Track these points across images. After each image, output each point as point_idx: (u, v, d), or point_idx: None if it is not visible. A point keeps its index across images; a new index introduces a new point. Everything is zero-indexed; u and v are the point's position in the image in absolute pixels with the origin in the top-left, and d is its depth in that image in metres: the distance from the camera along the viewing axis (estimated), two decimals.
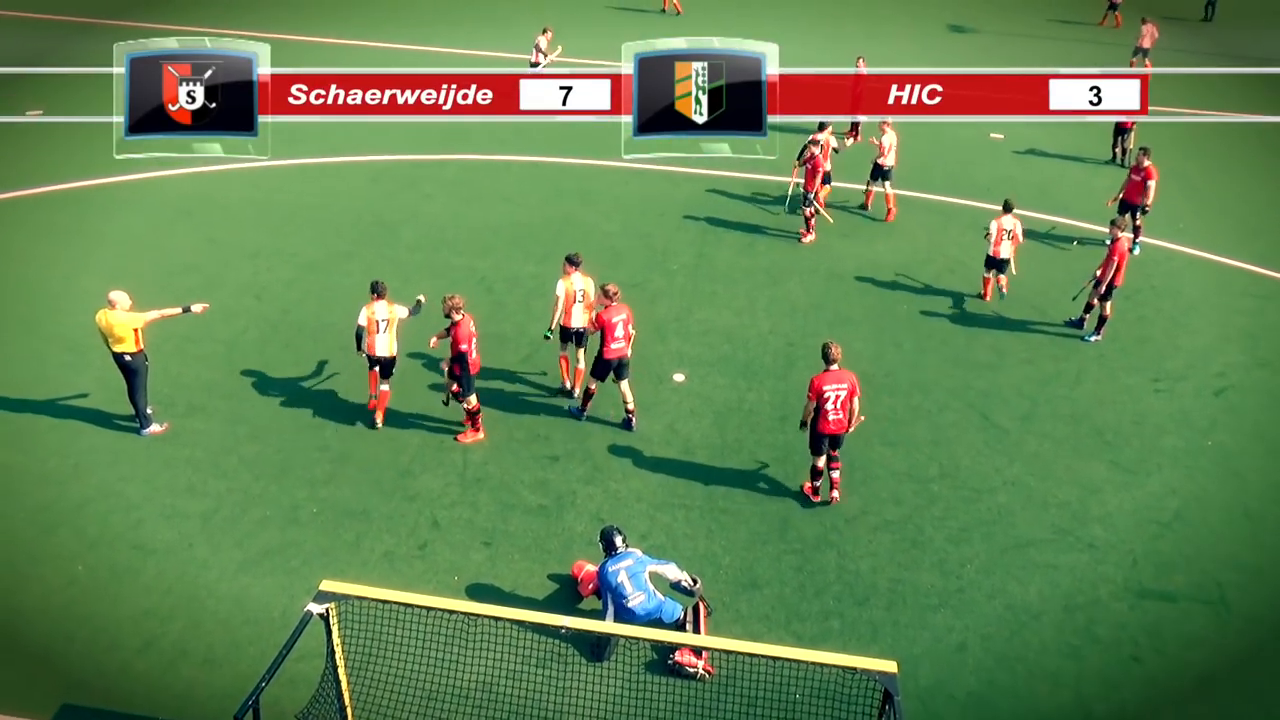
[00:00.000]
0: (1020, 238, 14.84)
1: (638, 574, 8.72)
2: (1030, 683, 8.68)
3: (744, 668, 7.71)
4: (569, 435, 11.75)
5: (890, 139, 17.12)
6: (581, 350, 12.30)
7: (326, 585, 6.77)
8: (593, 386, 11.81)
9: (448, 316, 10.94)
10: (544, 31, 23.05)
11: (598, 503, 10.65)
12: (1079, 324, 14.41)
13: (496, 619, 8.28)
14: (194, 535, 9.99)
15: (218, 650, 8.69)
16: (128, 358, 10.87)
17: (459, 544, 10.05)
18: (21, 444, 11.19)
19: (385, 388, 11.61)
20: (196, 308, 11.23)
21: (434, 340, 11.57)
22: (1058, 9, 34.53)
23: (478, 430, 11.56)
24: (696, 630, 8.73)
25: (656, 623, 8.62)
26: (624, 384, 11.69)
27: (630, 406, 11.80)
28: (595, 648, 8.74)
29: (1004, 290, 15.05)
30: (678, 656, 8.52)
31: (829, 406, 10.31)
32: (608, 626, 7.88)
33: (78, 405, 11.85)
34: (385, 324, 11.30)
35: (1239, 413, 12.62)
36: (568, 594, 9.45)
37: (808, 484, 10.81)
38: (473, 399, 11.31)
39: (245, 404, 12.00)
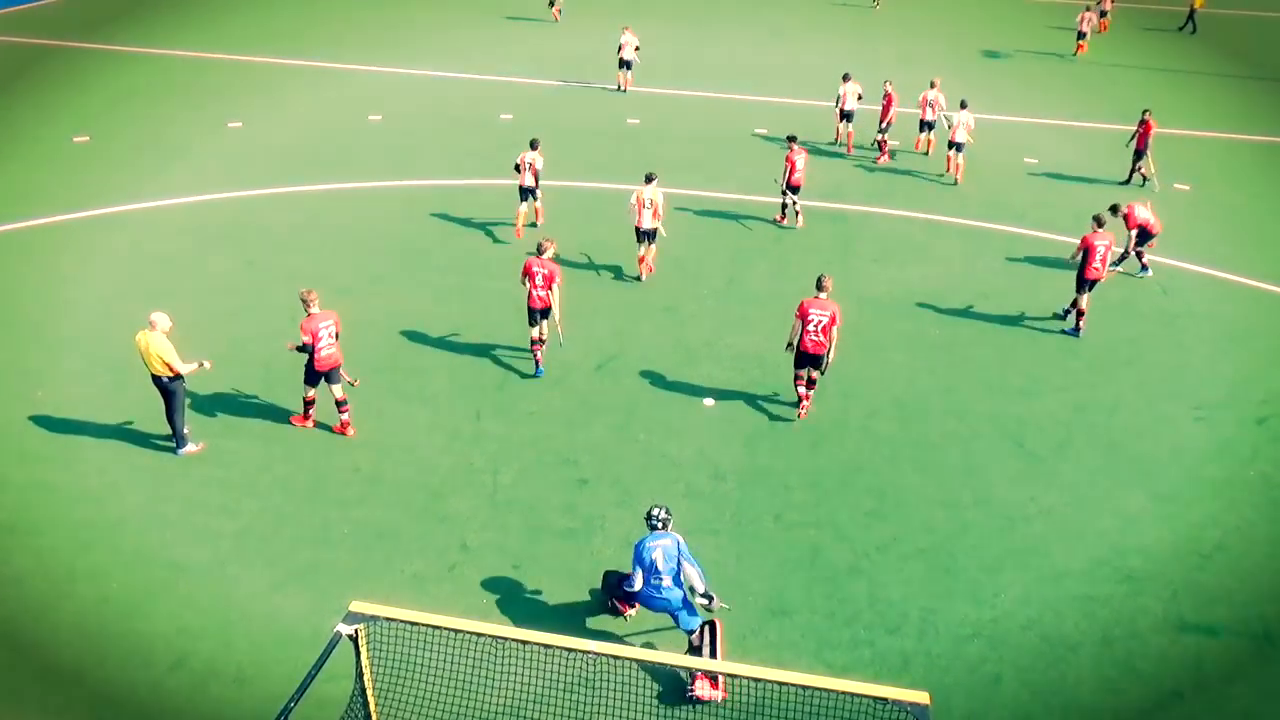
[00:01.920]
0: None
1: (671, 558, 8.63)
2: (1066, 718, 8.48)
3: (773, 696, 7.60)
4: (598, 459, 11.75)
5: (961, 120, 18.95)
6: (653, 247, 15.78)
7: (356, 606, 6.79)
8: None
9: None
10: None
11: (627, 527, 10.61)
12: (1063, 317, 15.12)
13: (524, 642, 8.27)
14: (227, 554, 10.09)
15: (248, 669, 8.74)
16: (166, 380, 11.07)
17: (488, 566, 10.05)
18: (63, 462, 11.38)
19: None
20: (207, 364, 11.39)
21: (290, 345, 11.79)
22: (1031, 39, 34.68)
23: (306, 418, 12.09)
24: (713, 651, 8.68)
25: (672, 619, 8.80)
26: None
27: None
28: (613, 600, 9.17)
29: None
30: (695, 691, 8.40)
31: (810, 328, 11.77)
32: (637, 652, 7.81)
33: (118, 425, 12.05)
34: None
35: None
36: (596, 618, 9.40)
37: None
38: (309, 390, 11.77)
39: (279, 424, 12.14)
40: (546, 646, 7.37)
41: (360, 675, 7.00)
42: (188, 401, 11.59)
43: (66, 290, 15.22)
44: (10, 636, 9.03)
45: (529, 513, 10.84)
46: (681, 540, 8.80)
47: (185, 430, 11.52)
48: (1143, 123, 20.27)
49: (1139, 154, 20.49)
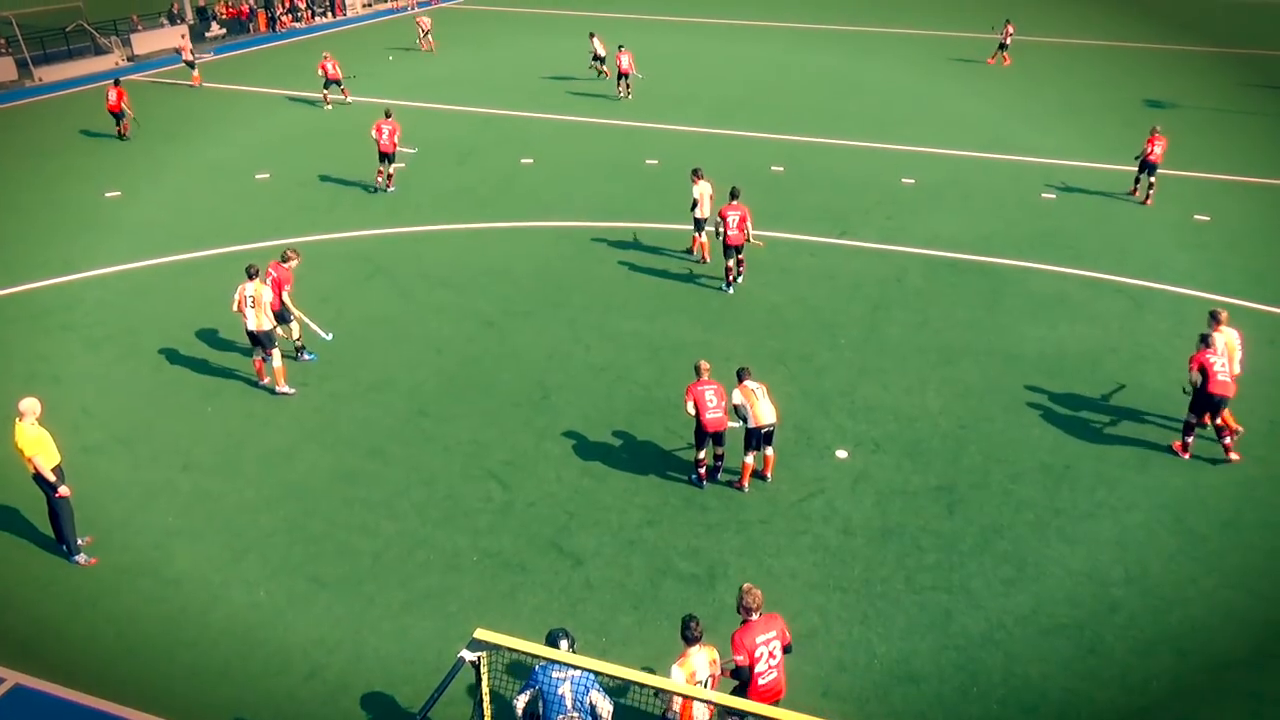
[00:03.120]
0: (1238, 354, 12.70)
1: (580, 697, 7.05)
2: None
3: None
4: (726, 505, 11.65)
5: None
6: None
7: (481, 634, 6.93)
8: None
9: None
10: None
11: (750, 576, 10.44)
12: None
13: (640, 685, 8.23)
14: (364, 572, 10.54)
15: (376, 686, 9.05)
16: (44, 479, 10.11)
17: (608, 605, 10.10)
18: (227, 472, 12.21)
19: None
20: (65, 489, 10.25)
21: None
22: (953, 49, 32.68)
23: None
24: None
25: None
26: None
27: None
28: None
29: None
30: None
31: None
32: (752, 705, 7.60)
33: (276, 441, 12.84)
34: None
35: None
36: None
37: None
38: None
39: (420, 450, 12.64)
40: (659, 690, 7.31)
41: (479, 702, 7.13)
42: (338, 423, 12.18)
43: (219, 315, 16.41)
44: (169, 634, 9.69)
45: (653, 554, 10.84)
46: (594, 676, 7.08)
47: (79, 541, 10.59)
48: (1150, 139, 21.37)
49: (1148, 167, 21.43)
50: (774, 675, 7.74)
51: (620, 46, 30.45)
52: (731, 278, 17.21)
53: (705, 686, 7.44)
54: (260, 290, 13.57)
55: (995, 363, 14.93)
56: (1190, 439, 12.60)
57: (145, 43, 39.12)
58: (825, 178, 23.37)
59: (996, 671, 9.24)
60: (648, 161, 24.16)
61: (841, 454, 12.65)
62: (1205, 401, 12.25)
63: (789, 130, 27.39)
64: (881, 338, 15.72)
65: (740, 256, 17.17)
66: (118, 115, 26.42)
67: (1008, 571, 10.54)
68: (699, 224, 18.23)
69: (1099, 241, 19.47)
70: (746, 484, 11.89)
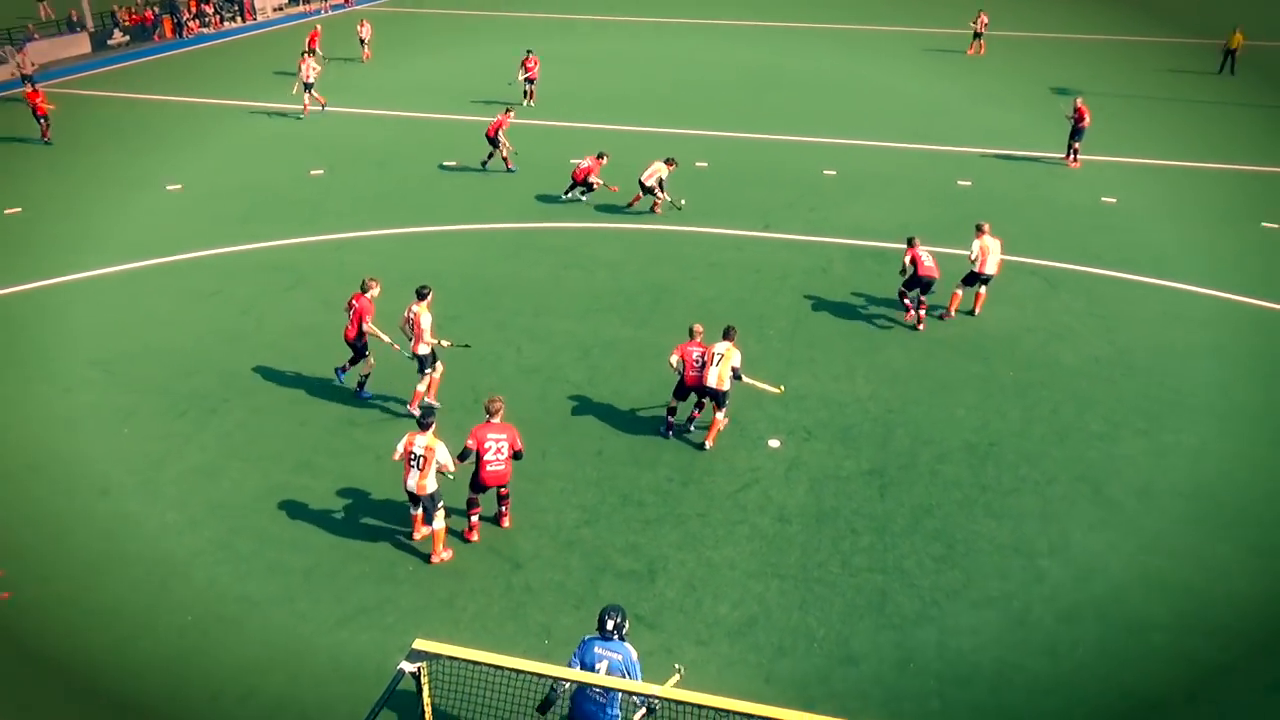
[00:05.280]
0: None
1: (615, 674, 7.40)
2: None
3: None
4: (663, 500, 11.71)
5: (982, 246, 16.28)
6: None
7: (419, 644, 6.85)
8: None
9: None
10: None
11: (690, 569, 10.52)
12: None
13: (586, 685, 8.21)
14: (296, 589, 10.30)
15: (312, 705, 8.86)
16: None
17: (549, 607, 10.06)
18: (147, 495, 11.82)
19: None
20: None
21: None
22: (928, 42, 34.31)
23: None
24: None
25: None
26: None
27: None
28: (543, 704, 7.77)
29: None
30: None
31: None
32: (699, 697, 7.64)
33: (198, 460, 12.47)
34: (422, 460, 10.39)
35: None
36: (658, 660, 9.30)
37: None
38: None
39: (351, 461, 12.41)
40: (607, 689, 7.32)
41: (421, 713, 7.04)
42: (259, 437, 11.86)
43: (154, 330, 15.88)
44: (92, 669, 9.33)
45: (592, 553, 10.83)
46: (635, 659, 7.52)
47: None
48: (1076, 109, 23.38)
49: (1078, 132, 23.44)
50: (500, 467, 10.60)
51: (529, 51, 30.24)
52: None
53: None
54: (418, 313, 12.99)
55: (919, 347, 15.29)
56: (910, 312, 15.94)
57: (44, 52, 37.60)
58: (749, 172, 23.63)
59: (931, 647, 9.47)
60: (573, 160, 24.11)
61: (774, 443, 12.81)
62: (915, 283, 15.67)
63: (712, 126, 27.62)
64: (809, 327, 15.96)
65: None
66: (43, 117, 25.99)
67: (938, 549, 10.81)
68: (645, 188, 20.30)
69: (1013, 226, 20.05)
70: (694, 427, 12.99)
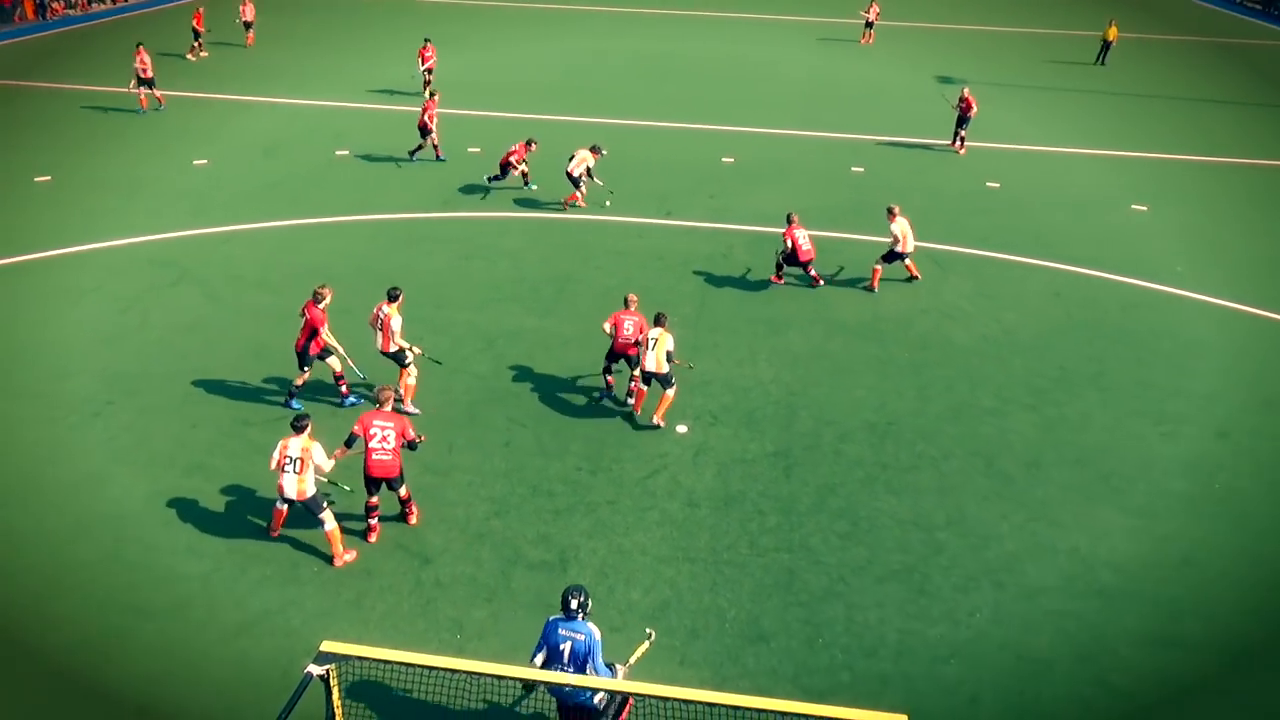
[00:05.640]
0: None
1: (580, 655, 7.62)
2: None
3: None
4: (572, 490, 11.69)
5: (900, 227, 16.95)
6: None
7: (327, 646, 6.68)
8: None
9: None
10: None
11: (601, 557, 10.54)
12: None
13: (500, 677, 8.15)
14: (193, 597, 9.89)
15: (216, 714, 8.53)
16: None
17: (461, 601, 9.93)
18: (26, 503, 11.14)
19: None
20: None
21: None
22: (821, 31, 35.70)
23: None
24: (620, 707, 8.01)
25: (582, 709, 7.76)
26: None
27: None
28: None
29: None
30: None
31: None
32: (615, 684, 7.71)
33: (82, 467, 11.82)
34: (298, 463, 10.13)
35: (1244, 455, 12.55)
36: None
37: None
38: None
39: (247, 462, 11.96)
40: (522, 681, 7.29)
41: (332, 717, 6.86)
42: (151, 440, 11.34)
43: (15, 333, 14.96)
44: None
45: (503, 545, 10.74)
46: (598, 639, 7.73)
47: None
48: (963, 99, 24.32)
49: (964, 120, 24.53)
50: (387, 457, 10.27)
51: (426, 40, 29.55)
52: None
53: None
54: (389, 313, 12.84)
55: (818, 330, 15.66)
56: (782, 272, 17.10)
57: None
58: (648, 160, 23.70)
59: (839, 622, 9.74)
60: (470, 150, 23.74)
61: (681, 429, 12.93)
62: (793, 261, 16.79)
63: (609, 114, 27.58)
64: (712, 313, 16.15)
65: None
66: None
67: (843, 527, 11.12)
68: (574, 180, 20.03)
69: (904, 211, 20.71)
70: (639, 409, 13.20)
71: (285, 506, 10.44)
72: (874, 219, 20.05)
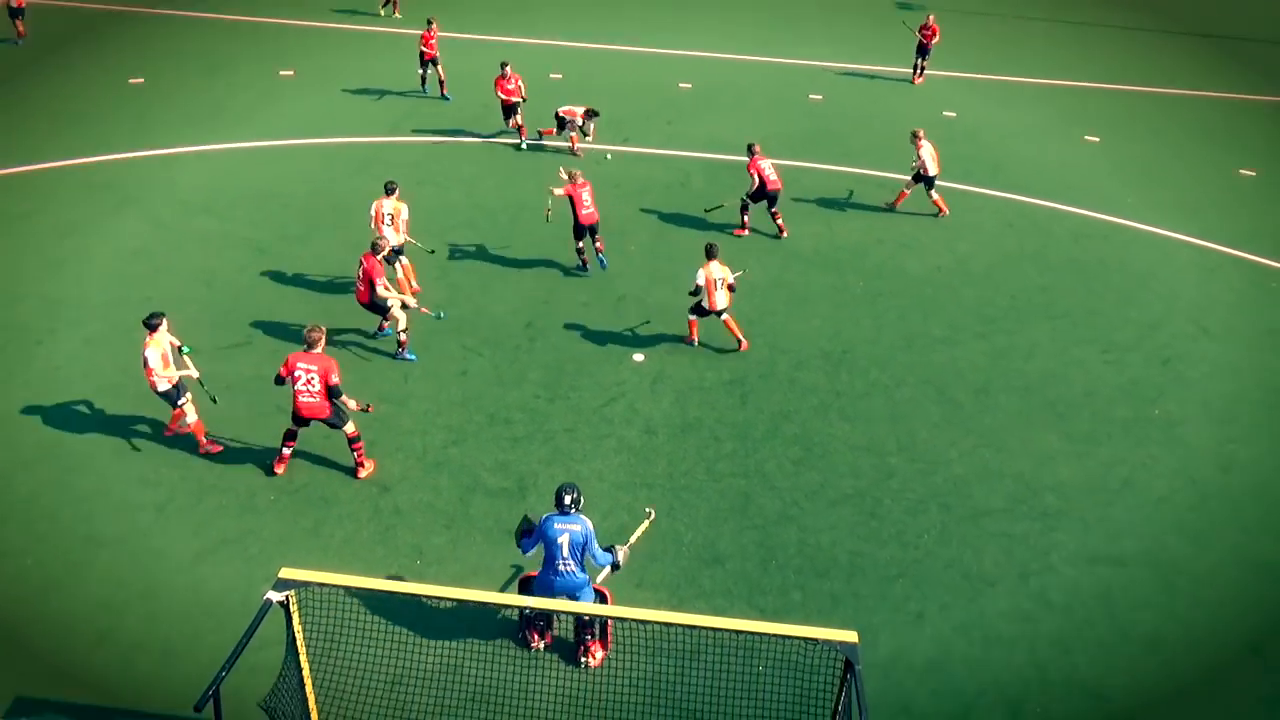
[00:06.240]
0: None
1: (577, 546, 8.07)
2: (986, 649, 8.87)
3: (708, 642, 7.78)
4: (529, 418, 11.72)
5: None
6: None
7: (285, 573, 6.68)
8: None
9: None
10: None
11: (558, 482, 10.58)
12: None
13: (459, 601, 8.26)
14: (148, 526, 9.82)
15: (176, 641, 8.56)
16: None
17: (420, 528, 9.99)
18: None
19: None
20: None
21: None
22: None
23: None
24: (603, 629, 8.51)
25: (573, 597, 8.20)
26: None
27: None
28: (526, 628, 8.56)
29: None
30: (592, 662, 8.47)
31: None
32: (575, 607, 7.85)
33: (24, 397, 11.55)
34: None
35: (1185, 383, 12.96)
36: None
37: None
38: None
39: (196, 392, 11.75)
40: (481, 604, 7.40)
41: (293, 642, 6.92)
42: (100, 370, 11.10)
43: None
44: None
45: (461, 473, 10.78)
46: (591, 529, 8.18)
47: None
48: (927, 26, 24.02)
49: (924, 52, 24.24)
50: (313, 399, 10.07)
51: None
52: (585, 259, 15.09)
53: None
54: (399, 207, 13.62)
55: (776, 259, 15.69)
56: (747, 219, 16.37)
57: None
58: (604, 84, 23.22)
59: (792, 544, 10.00)
60: (419, 71, 23.04)
61: (638, 357, 12.97)
62: (762, 195, 15.96)
63: (561, 35, 26.88)
64: (669, 241, 16.08)
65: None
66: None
67: (797, 452, 11.33)
68: (562, 121, 19.13)
69: (862, 140, 20.66)
70: (695, 339, 13.25)
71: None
72: (832, 148, 20.01)
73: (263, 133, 19.45)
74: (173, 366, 10.45)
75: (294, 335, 13.02)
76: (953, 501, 10.68)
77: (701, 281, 12.60)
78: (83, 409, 11.40)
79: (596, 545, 8.18)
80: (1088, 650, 8.91)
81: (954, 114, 22.53)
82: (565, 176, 14.41)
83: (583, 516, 8.18)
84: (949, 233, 16.84)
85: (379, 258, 12.29)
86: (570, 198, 14.27)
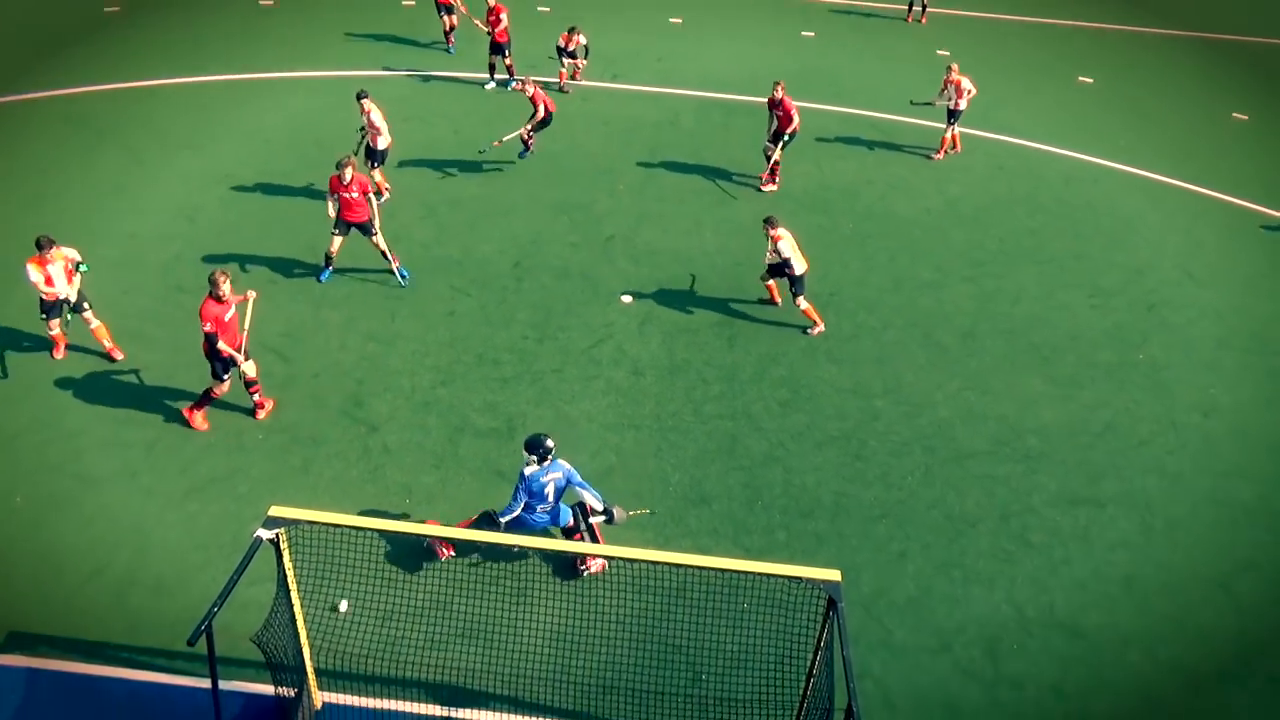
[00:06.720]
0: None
1: (560, 489, 8.54)
2: (966, 587, 9.06)
3: (694, 580, 7.93)
4: (518, 359, 11.72)
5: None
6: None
7: (275, 510, 6.72)
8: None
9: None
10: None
11: (548, 424, 10.67)
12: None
13: (448, 540, 8.35)
14: (137, 464, 9.84)
15: (167, 577, 8.65)
16: None
17: (409, 467, 10.05)
18: None
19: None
20: None
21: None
22: None
23: (195, 414, 10.26)
24: (588, 525, 8.94)
25: (547, 530, 8.77)
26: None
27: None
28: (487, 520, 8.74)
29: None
30: (590, 568, 8.87)
31: None
32: (557, 544, 7.94)
33: (5, 335, 11.45)
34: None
35: (1169, 328, 13.04)
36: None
37: None
38: (218, 386, 10.16)
39: (183, 330, 11.67)
40: (469, 543, 7.49)
41: (284, 579, 6.99)
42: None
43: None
44: None
45: (449, 413, 10.81)
46: (570, 467, 8.61)
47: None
48: None
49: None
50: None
51: None
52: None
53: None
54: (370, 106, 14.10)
55: (764, 201, 15.57)
56: (773, 175, 15.70)
57: None
58: (591, 17, 22.71)
59: (778, 485, 10.11)
60: (404, 4, 22.50)
61: (626, 299, 12.94)
62: (780, 137, 15.40)
63: None
64: (659, 182, 15.93)
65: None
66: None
67: (784, 395, 11.39)
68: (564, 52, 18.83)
69: (853, 79, 20.39)
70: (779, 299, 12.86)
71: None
72: (824, 87, 19.72)
73: (245, 66, 19.01)
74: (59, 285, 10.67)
75: (281, 269, 12.92)
76: (937, 444, 10.80)
77: (790, 251, 12.13)
78: (70, 349, 11.31)
79: (579, 478, 8.64)
80: (1065, 589, 9.12)
81: (946, 52, 22.21)
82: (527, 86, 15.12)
83: (561, 461, 8.59)
84: (939, 174, 16.74)
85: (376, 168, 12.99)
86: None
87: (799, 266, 12.14)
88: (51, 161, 15.18)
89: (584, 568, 8.86)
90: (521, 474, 8.46)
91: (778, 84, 15.33)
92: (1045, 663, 8.42)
